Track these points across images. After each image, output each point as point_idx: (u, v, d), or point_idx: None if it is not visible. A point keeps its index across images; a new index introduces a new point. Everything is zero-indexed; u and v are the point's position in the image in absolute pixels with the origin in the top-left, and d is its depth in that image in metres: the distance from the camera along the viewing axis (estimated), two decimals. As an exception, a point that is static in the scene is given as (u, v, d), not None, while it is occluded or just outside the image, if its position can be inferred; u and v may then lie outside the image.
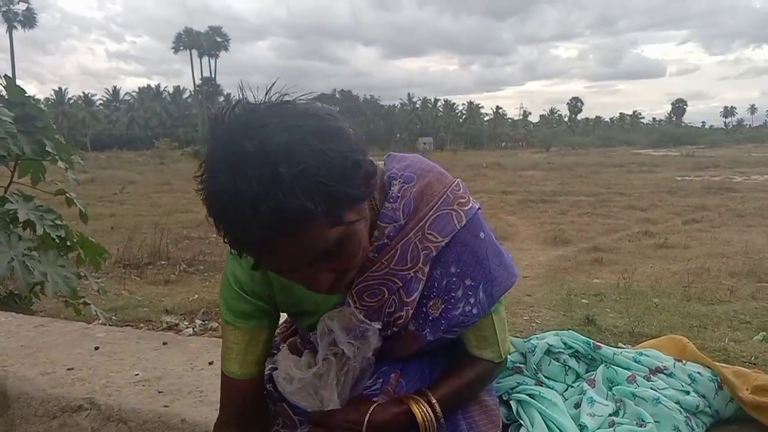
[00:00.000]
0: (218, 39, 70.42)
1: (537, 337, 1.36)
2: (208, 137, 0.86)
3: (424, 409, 1.04)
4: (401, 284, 1.04)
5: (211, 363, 1.77)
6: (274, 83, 0.90)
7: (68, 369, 1.74)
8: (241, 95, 0.89)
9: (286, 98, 0.89)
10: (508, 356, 1.30)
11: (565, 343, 1.34)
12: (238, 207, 0.79)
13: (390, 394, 1.07)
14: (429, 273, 1.06)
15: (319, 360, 1.02)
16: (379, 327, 1.04)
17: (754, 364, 4.28)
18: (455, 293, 1.07)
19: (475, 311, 1.07)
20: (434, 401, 1.05)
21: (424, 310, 1.07)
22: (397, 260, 1.04)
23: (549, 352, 1.32)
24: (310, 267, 0.88)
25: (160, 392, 1.57)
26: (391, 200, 1.05)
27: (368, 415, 1.02)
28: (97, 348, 1.92)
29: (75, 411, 1.55)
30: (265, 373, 1.18)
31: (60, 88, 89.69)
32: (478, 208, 1.10)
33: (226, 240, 0.87)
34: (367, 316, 1.05)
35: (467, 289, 1.07)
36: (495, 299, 1.09)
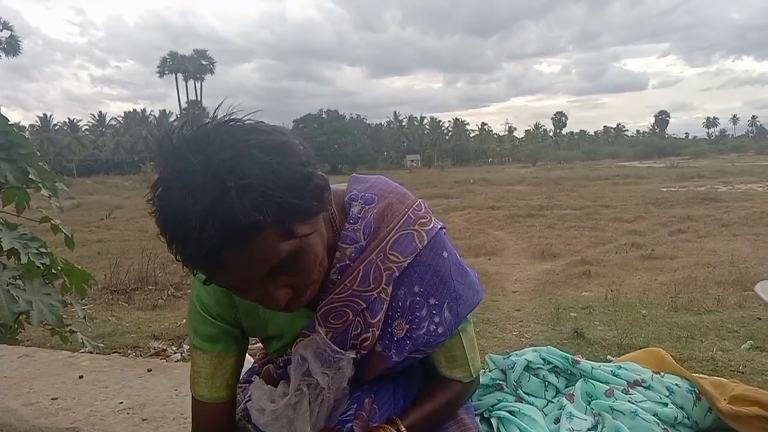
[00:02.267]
0: (203, 62, 70.64)
1: (516, 354, 1.37)
2: (157, 157, 0.87)
3: None
4: (365, 305, 1.04)
5: (195, 389, 1.77)
6: (220, 104, 0.91)
7: (52, 399, 1.74)
8: (211, 116, 0.90)
9: (233, 116, 0.90)
10: (488, 373, 1.32)
11: (544, 359, 1.36)
12: (187, 222, 0.79)
13: (364, 420, 1.06)
14: (393, 293, 1.06)
15: (292, 390, 1.02)
16: (354, 356, 1.04)
17: (742, 372, 4.30)
18: (419, 312, 1.07)
19: (440, 330, 1.08)
20: (403, 429, 1.05)
21: (390, 330, 1.07)
22: (359, 281, 1.04)
23: (528, 368, 1.34)
24: (264, 283, 0.87)
25: (144, 420, 1.57)
26: (352, 221, 1.06)
27: None
28: (81, 377, 1.91)
29: (58, 441, 1.54)
30: (241, 405, 1.18)
31: (45, 115, 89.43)
32: (441, 228, 1.11)
33: (177, 258, 0.86)
34: (333, 338, 1.05)
35: (431, 308, 1.07)
36: (461, 318, 1.10)
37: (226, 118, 0.89)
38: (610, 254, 10.29)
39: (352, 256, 1.05)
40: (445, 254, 1.09)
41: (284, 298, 0.91)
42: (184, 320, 6.59)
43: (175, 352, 5.17)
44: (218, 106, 0.91)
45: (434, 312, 1.07)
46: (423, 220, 1.08)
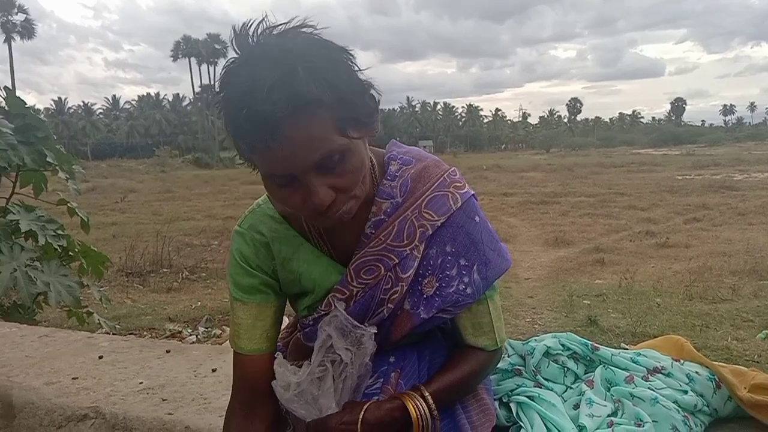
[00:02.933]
0: (217, 46, 70.38)
1: (536, 340, 1.37)
2: (230, 45, 0.91)
3: (418, 403, 1.05)
4: (397, 261, 1.07)
5: (214, 370, 1.79)
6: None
7: (73, 378, 1.76)
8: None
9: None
10: (507, 358, 1.32)
11: (563, 345, 1.35)
12: (255, 91, 0.84)
13: (390, 394, 1.09)
14: (424, 252, 1.09)
15: (315, 365, 1.03)
16: (374, 331, 1.06)
17: (757, 362, 4.28)
18: (450, 272, 1.09)
19: (469, 291, 1.10)
20: (427, 395, 1.07)
21: (419, 288, 1.09)
22: (394, 236, 1.07)
23: (548, 354, 1.34)
24: (311, 178, 0.91)
25: (164, 400, 1.58)
26: (389, 178, 1.10)
27: (362, 413, 1.02)
28: (101, 357, 1.93)
29: (80, 420, 1.56)
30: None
31: (59, 98, 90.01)
32: (473, 194, 1.14)
33: (236, 135, 0.90)
34: (363, 293, 1.08)
35: (461, 268, 1.10)
36: (489, 282, 1.12)
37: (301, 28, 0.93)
38: (624, 242, 10.23)
39: (387, 211, 1.08)
40: (477, 219, 1.12)
41: (327, 199, 0.92)
42: (199, 303, 6.66)
43: (191, 334, 5.23)
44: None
45: (464, 273, 1.10)
46: (458, 184, 1.12)
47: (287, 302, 1.21)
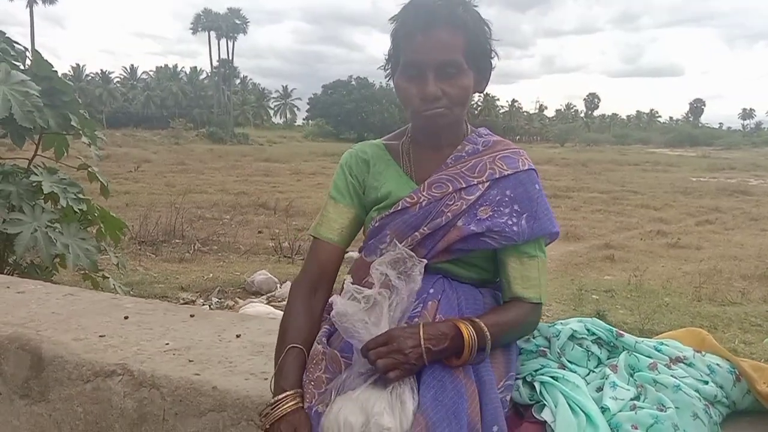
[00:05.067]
0: (237, 21, 70.04)
1: (561, 323, 1.40)
2: None
3: (469, 328, 1.18)
4: (464, 186, 1.31)
5: (238, 336, 1.82)
6: None
7: (100, 336, 1.80)
8: None
9: None
10: (532, 340, 1.37)
11: (588, 330, 1.38)
12: (429, 3, 1.24)
13: (426, 319, 1.23)
14: (487, 190, 1.31)
15: (367, 291, 1.15)
16: (425, 262, 1.22)
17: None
18: (504, 209, 1.30)
19: (515, 229, 1.29)
20: (478, 320, 1.21)
21: (475, 212, 1.30)
22: (468, 168, 1.33)
23: (573, 337, 1.36)
24: (430, 76, 1.24)
25: (190, 361, 1.62)
26: (477, 134, 1.40)
27: (421, 326, 1.16)
28: (126, 317, 1.97)
29: (108, 376, 1.60)
30: (323, 329, 1.33)
31: (78, 65, 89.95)
32: (536, 171, 1.36)
33: (403, 24, 1.27)
34: (428, 204, 1.31)
35: (514, 210, 1.30)
36: (534, 233, 1.30)
37: None
38: (634, 240, 10.22)
39: (468, 151, 1.36)
40: (537, 186, 1.34)
41: (436, 92, 1.25)
42: (211, 274, 6.72)
43: (204, 304, 5.29)
44: None
45: (514, 215, 1.30)
46: (528, 157, 1.37)
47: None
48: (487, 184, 1.31)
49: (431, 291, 1.27)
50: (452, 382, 1.14)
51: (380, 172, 1.40)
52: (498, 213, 1.30)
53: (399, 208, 1.33)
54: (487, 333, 1.19)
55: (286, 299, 1.42)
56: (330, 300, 1.19)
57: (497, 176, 1.32)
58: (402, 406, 1.09)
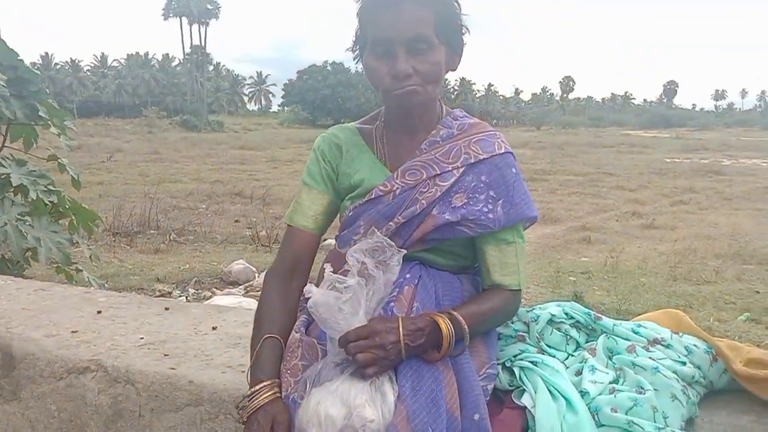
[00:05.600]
0: (209, 6, 68.96)
1: (540, 307, 1.39)
2: None
3: (447, 321, 1.16)
4: (438, 172, 1.28)
5: (214, 328, 1.80)
6: None
7: (72, 332, 1.76)
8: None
9: None
10: (511, 325, 1.37)
11: (566, 314, 1.38)
12: None
13: (403, 304, 1.22)
14: (462, 176, 1.28)
15: (349, 281, 1.13)
16: (404, 252, 1.19)
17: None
18: (479, 195, 1.28)
19: (491, 216, 1.27)
20: (456, 314, 1.19)
21: (450, 200, 1.28)
22: (442, 154, 1.30)
23: (551, 321, 1.36)
24: (401, 54, 1.20)
25: (165, 355, 1.59)
26: (452, 117, 1.36)
27: (400, 321, 1.14)
28: (99, 312, 1.93)
29: (81, 372, 1.57)
30: (301, 318, 1.31)
31: (46, 53, 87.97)
32: (513, 155, 1.34)
33: (365, 5, 1.24)
34: (402, 191, 1.28)
35: (489, 197, 1.28)
36: (510, 220, 1.28)
37: None
38: (610, 221, 10.33)
39: (443, 136, 1.33)
40: (514, 170, 1.31)
41: (407, 69, 1.21)
42: (187, 265, 6.64)
43: (180, 295, 5.23)
44: None
45: (490, 202, 1.28)
46: (504, 140, 1.34)
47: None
48: (461, 170, 1.28)
49: (407, 276, 1.26)
50: (429, 370, 1.13)
51: (353, 158, 1.37)
52: (473, 200, 1.27)
53: (372, 197, 1.30)
54: (465, 326, 1.17)
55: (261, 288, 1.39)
56: (305, 290, 1.17)
57: (472, 161, 1.29)
58: (383, 397, 1.08)
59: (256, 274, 5.91)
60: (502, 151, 1.31)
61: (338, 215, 1.42)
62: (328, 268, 1.18)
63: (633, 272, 6.58)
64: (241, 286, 5.64)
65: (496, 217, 1.27)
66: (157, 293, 5.19)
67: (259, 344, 1.24)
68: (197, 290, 5.48)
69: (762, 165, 21.27)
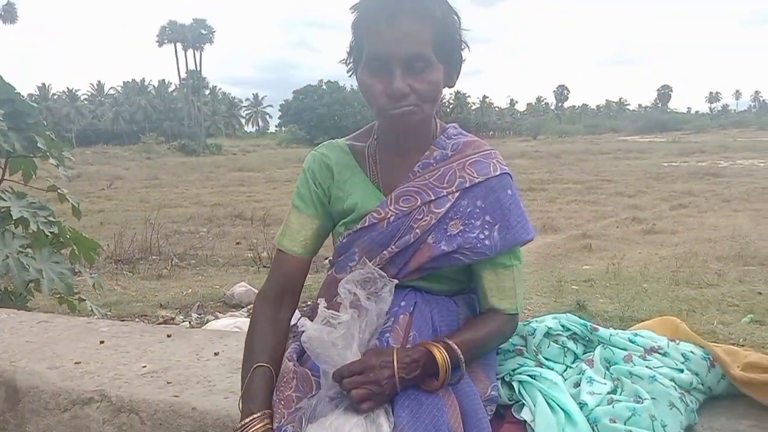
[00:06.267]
0: (203, 31, 69.44)
1: (536, 321, 1.41)
2: None
3: (443, 351, 1.15)
4: (433, 198, 1.25)
5: (216, 354, 1.81)
6: None
7: (76, 363, 1.77)
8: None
9: None
10: (510, 339, 1.36)
11: (563, 326, 1.39)
12: None
13: (399, 334, 1.20)
14: (457, 201, 1.25)
15: (342, 317, 1.12)
16: (396, 282, 1.18)
17: (742, 345, 4.36)
18: (475, 221, 1.25)
19: (487, 243, 1.24)
20: (451, 343, 1.17)
21: (445, 227, 1.25)
22: (436, 178, 1.26)
23: (548, 334, 1.37)
24: (398, 73, 1.15)
25: (168, 383, 1.60)
26: (446, 136, 1.32)
27: (395, 353, 1.12)
28: (102, 342, 1.94)
29: (86, 403, 1.58)
30: (292, 345, 1.30)
31: (43, 84, 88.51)
32: (510, 174, 1.31)
33: (364, 14, 1.19)
34: (396, 219, 1.25)
35: (485, 222, 1.25)
36: (507, 244, 1.25)
37: None
38: (611, 228, 10.33)
39: (436, 158, 1.29)
40: (510, 192, 1.28)
41: (404, 89, 1.16)
42: (190, 290, 6.65)
43: (184, 321, 5.23)
44: None
45: (486, 227, 1.25)
46: (500, 159, 1.31)
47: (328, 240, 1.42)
48: (457, 195, 1.25)
49: (402, 304, 1.24)
50: (428, 396, 1.12)
51: (345, 181, 1.33)
52: (469, 227, 1.24)
53: (366, 224, 1.27)
54: (460, 354, 1.16)
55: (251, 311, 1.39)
56: (299, 323, 1.15)
57: (467, 185, 1.25)
58: (378, 429, 1.07)
59: (259, 296, 5.91)
60: (498, 172, 1.27)
61: (331, 238, 1.40)
62: (322, 303, 1.15)
63: (635, 278, 6.57)
64: (243, 309, 5.65)
65: (493, 243, 1.24)
66: (160, 319, 5.19)
67: (249, 373, 1.24)
68: (200, 315, 5.48)
69: (759, 165, 21.29)
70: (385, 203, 1.27)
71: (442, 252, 1.24)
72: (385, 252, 1.26)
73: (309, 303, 1.44)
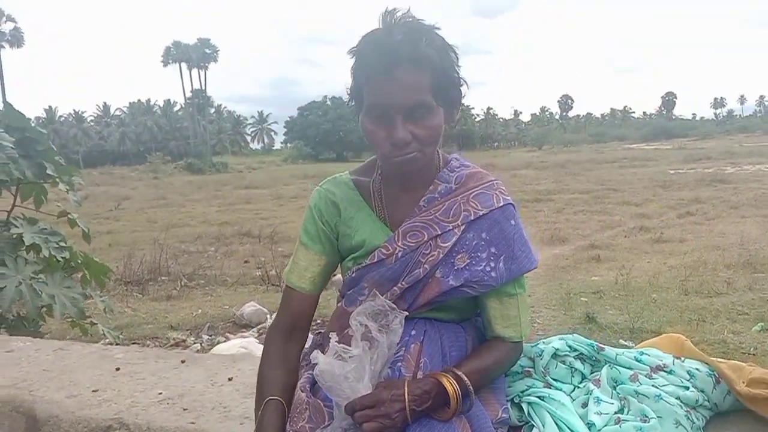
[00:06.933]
0: (207, 51, 69.95)
1: (543, 342, 1.44)
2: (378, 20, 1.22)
3: (452, 381, 1.17)
4: (440, 232, 1.28)
5: (230, 379, 1.84)
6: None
7: (93, 391, 1.80)
8: None
9: None
10: (518, 361, 1.39)
11: (570, 346, 1.42)
12: (388, 39, 1.17)
13: (410, 362, 1.23)
14: (463, 234, 1.28)
15: (353, 351, 1.14)
16: (406, 314, 1.21)
17: (753, 354, 4.35)
18: (481, 254, 1.28)
19: (493, 274, 1.27)
20: (460, 373, 1.20)
21: (452, 261, 1.28)
22: (442, 212, 1.29)
23: (555, 355, 1.40)
24: (399, 121, 1.19)
25: (184, 409, 1.63)
26: (449, 169, 1.35)
27: (406, 386, 1.15)
28: (118, 369, 1.98)
29: (105, 431, 1.61)
30: (304, 376, 1.32)
31: (50, 107, 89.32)
32: (513, 204, 1.34)
33: (362, 65, 1.21)
34: (404, 254, 1.28)
35: (491, 254, 1.28)
36: (512, 274, 1.29)
37: None
38: (618, 238, 10.31)
39: (441, 192, 1.32)
40: (513, 222, 1.31)
41: (406, 137, 1.20)
42: (200, 310, 6.69)
43: (195, 342, 5.26)
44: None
45: (491, 259, 1.28)
46: (503, 190, 1.34)
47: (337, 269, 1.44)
48: (462, 228, 1.28)
49: (413, 333, 1.27)
50: (440, 423, 1.15)
51: (352, 217, 1.36)
52: (475, 260, 1.27)
53: (375, 260, 1.30)
54: (469, 384, 1.18)
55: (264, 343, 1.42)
56: (311, 357, 1.18)
57: (472, 218, 1.28)
58: None
59: (268, 315, 5.94)
60: (501, 204, 1.30)
61: (340, 270, 1.43)
62: (334, 337, 1.18)
63: (644, 289, 6.56)
64: (253, 329, 5.67)
65: (499, 274, 1.27)
66: (172, 341, 5.23)
67: (262, 406, 1.27)
68: (211, 336, 5.51)
69: (766, 170, 21.22)
70: (393, 239, 1.30)
71: (451, 287, 1.27)
72: (395, 288, 1.28)
73: (320, 322, 1.47)
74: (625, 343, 4.28)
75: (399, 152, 1.21)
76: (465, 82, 1.28)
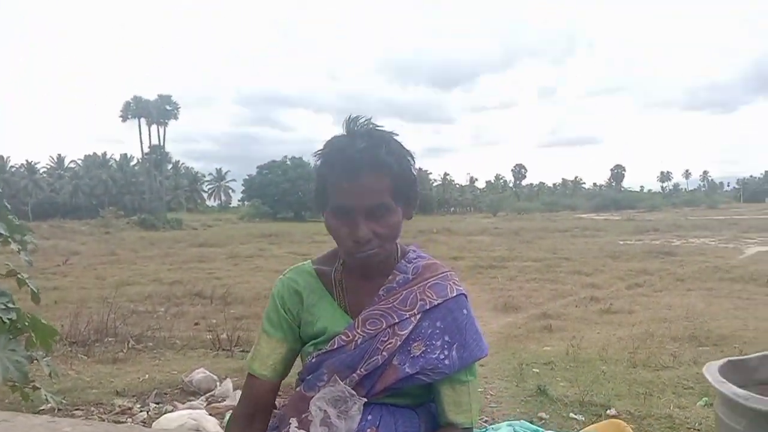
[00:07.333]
0: (168, 107, 69.85)
1: (492, 428, 1.48)
2: (342, 126, 1.36)
3: None
4: (397, 321, 1.35)
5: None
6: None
7: (37, 468, 1.75)
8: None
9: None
10: None
11: (516, 432, 1.46)
12: (351, 147, 1.29)
13: None
14: (419, 322, 1.36)
15: None
16: (365, 400, 1.28)
17: (698, 429, 4.43)
18: (435, 342, 1.36)
19: (447, 362, 1.35)
20: None
21: (409, 348, 1.35)
22: (399, 302, 1.37)
23: (503, 441, 1.44)
24: (361, 219, 1.28)
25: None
26: (406, 261, 1.45)
27: None
28: (64, 444, 1.92)
29: None
30: None
31: (1, 156, 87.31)
32: (465, 294, 1.42)
33: (327, 170, 1.33)
34: (363, 341, 1.34)
35: (444, 343, 1.36)
36: (464, 362, 1.36)
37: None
38: (570, 307, 10.48)
39: (399, 282, 1.40)
40: (465, 312, 1.40)
41: (367, 235, 1.29)
42: (147, 375, 6.46)
43: (141, 410, 5.07)
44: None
45: (445, 347, 1.35)
46: (456, 281, 1.43)
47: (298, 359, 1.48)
48: (418, 316, 1.35)
49: (369, 418, 1.32)
50: None
51: (314, 305, 1.42)
52: (430, 348, 1.35)
53: (335, 346, 1.36)
54: None
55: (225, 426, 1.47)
56: None
57: (428, 307, 1.36)
58: None
59: (218, 383, 5.79)
60: (454, 294, 1.39)
61: (300, 357, 1.47)
62: (294, 423, 1.23)
63: (594, 361, 6.64)
64: (202, 397, 5.52)
65: (452, 362, 1.34)
66: (117, 409, 5.03)
67: None
68: (158, 403, 5.33)
69: (710, 244, 22.04)
70: (353, 326, 1.37)
71: (407, 374, 1.33)
72: (354, 375, 1.34)
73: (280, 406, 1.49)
74: (575, 416, 4.33)
75: (361, 249, 1.31)
76: (419, 181, 1.42)
